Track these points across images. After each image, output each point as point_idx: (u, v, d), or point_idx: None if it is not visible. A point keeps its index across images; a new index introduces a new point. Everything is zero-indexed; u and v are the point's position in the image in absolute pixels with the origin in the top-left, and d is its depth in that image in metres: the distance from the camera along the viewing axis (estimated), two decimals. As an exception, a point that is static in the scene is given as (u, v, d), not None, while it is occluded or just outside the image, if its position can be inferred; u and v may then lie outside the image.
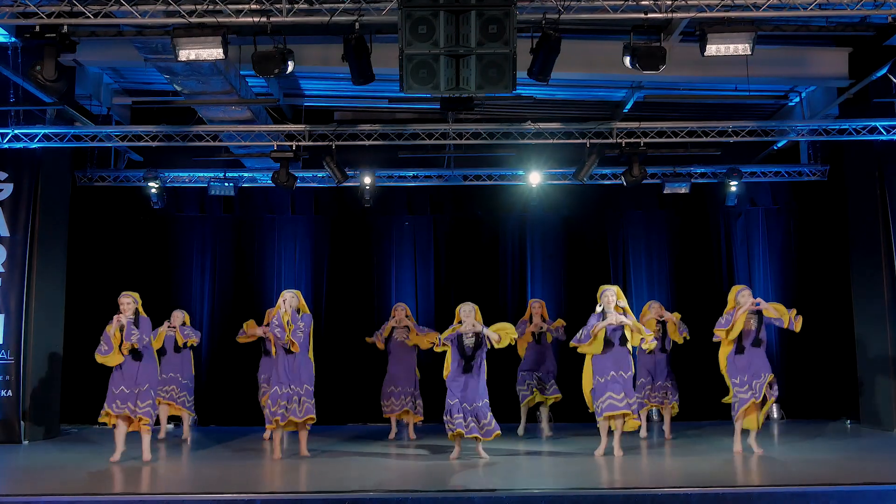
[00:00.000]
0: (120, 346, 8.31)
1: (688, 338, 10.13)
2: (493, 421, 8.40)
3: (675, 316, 10.02)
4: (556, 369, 10.47)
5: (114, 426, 8.40)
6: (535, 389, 10.40)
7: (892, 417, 10.25)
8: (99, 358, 8.40)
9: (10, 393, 9.97)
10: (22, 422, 9.99)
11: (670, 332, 10.00)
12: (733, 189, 11.87)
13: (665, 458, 8.51)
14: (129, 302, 8.52)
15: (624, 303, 8.57)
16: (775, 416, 11.99)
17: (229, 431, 11.05)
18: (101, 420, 8.43)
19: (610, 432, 8.57)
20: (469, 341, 8.38)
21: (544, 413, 10.60)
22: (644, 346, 8.74)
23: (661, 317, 9.99)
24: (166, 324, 10.23)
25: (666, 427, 10.02)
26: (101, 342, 8.38)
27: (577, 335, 8.59)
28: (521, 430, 10.53)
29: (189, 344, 10.38)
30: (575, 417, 10.90)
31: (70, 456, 8.98)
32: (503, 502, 6.42)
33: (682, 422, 10.97)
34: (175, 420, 11.06)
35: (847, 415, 11.37)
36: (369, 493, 6.54)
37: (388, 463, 8.38)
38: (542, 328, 10.43)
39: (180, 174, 11.98)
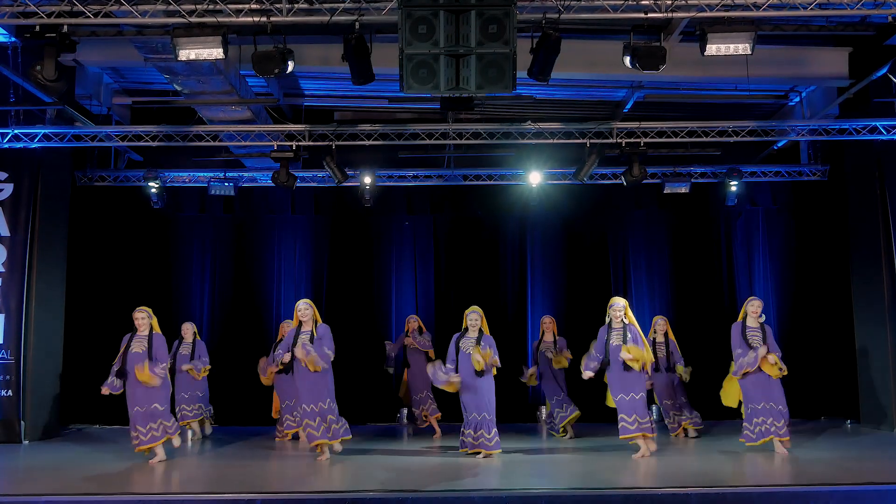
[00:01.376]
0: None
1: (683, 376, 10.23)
2: (497, 437, 8.54)
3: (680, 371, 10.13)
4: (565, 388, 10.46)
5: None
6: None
7: (892, 417, 10.26)
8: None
9: (10, 393, 9.97)
10: (22, 422, 9.99)
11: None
12: (733, 189, 11.86)
13: (665, 458, 8.50)
14: (144, 317, 8.45)
15: (631, 317, 8.59)
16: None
17: (229, 432, 11.04)
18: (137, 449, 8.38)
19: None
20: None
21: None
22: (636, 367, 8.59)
23: (666, 334, 10.13)
24: (185, 347, 10.36)
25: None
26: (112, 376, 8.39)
27: (587, 362, 8.56)
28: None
29: (203, 373, 10.52)
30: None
31: (70, 456, 8.99)
32: (503, 502, 6.42)
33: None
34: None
35: (847, 415, 11.37)
36: (369, 493, 6.53)
37: (389, 462, 8.38)
38: (555, 358, 10.44)
39: (180, 174, 11.97)
